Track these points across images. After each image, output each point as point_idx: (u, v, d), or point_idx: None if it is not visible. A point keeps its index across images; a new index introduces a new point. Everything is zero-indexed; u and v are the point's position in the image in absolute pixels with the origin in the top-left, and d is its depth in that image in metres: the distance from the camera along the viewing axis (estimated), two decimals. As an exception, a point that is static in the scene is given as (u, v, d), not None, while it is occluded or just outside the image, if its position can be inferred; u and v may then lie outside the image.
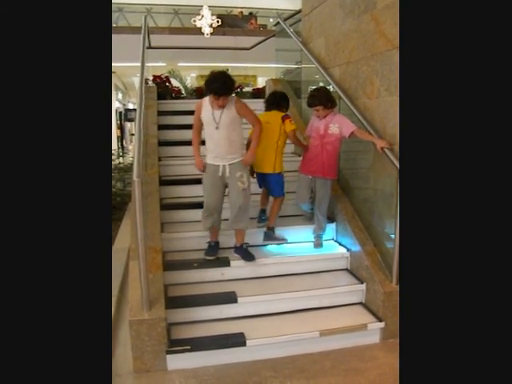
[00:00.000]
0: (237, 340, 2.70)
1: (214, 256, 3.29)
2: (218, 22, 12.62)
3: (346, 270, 3.47)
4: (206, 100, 3.12)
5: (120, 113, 15.81)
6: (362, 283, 3.20)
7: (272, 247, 3.53)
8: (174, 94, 5.72)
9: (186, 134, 4.60)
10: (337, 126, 3.36)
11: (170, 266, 3.14)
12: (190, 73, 13.80)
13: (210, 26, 12.32)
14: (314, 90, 3.67)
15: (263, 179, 3.57)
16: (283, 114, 3.52)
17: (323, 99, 3.38)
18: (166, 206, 3.66)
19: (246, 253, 3.27)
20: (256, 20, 14.94)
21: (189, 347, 2.62)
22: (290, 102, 3.73)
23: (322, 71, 4.12)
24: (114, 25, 12.62)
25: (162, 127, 4.53)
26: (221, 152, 3.09)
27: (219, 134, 3.06)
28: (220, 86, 2.92)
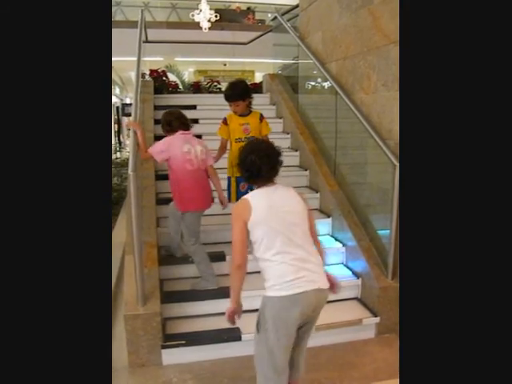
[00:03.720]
0: (232, 334, 2.70)
1: None
2: (216, 16, 12.57)
3: (342, 264, 3.47)
4: None
5: (117, 107, 15.77)
6: (358, 278, 3.21)
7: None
8: (170, 89, 5.70)
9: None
10: None
11: (165, 260, 3.14)
12: (188, 67, 13.78)
13: (208, 20, 12.27)
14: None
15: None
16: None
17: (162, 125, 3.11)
18: (162, 201, 3.65)
19: None
20: (254, 15, 14.90)
21: (184, 342, 2.62)
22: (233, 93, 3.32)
23: (319, 66, 4.10)
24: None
25: (158, 121, 4.51)
26: None
27: None
28: None
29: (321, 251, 2.05)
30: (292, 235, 1.91)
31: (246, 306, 2.94)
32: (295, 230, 1.93)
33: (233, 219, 1.95)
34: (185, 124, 3.05)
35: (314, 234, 2.05)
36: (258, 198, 1.95)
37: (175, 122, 3.01)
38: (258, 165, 1.93)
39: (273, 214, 1.91)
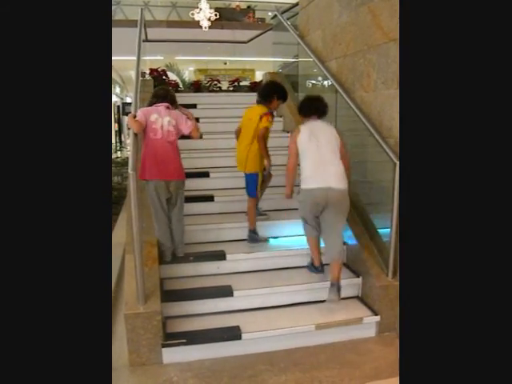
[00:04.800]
0: (232, 333, 2.70)
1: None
2: (215, 15, 12.56)
3: (342, 263, 3.46)
4: None
5: (118, 107, 15.75)
6: (358, 277, 3.21)
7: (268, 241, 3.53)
8: (170, 88, 5.70)
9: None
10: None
11: (165, 259, 3.13)
12: (188, 66, 13.78)
13: (208, 19, 12.26)
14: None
15: None
16: (266, 110, 3.31)
17: None
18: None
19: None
20: (254, 13, 14.89)
21: (184, 340, 2.62)
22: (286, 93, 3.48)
23: (319, 64, 4.09)
24: (111, 18, 12.51)
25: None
26: None
27: None
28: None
29: (347, 166, 3.02)
30: (321, 150, 2.94)
31: (244, 305, 2.96)
32: (325, 148, 2.94)
33: (289, 142, 3.12)
34: (161, 98, 3.19)
35: (343, 156, 3.00)
36: (305, 126, 3.06)
37: (153, 99, 3.20)
38: (309, 106, 3.14)
39: (311, 134, 2.97)
